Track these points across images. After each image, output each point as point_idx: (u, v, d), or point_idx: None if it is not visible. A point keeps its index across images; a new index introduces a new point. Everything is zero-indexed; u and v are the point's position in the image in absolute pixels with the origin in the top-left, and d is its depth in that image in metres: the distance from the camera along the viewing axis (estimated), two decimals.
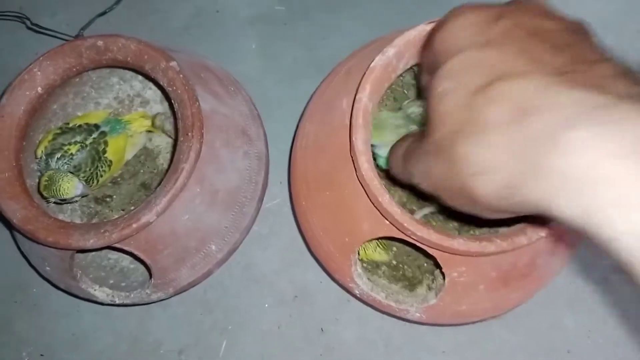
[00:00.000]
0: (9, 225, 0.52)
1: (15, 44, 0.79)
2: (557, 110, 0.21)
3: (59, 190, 0.53)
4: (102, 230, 0.49)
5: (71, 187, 0.54)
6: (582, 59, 0.23)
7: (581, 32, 0.25)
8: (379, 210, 0.39)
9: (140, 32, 0.76)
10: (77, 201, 0.63)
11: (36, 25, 0.62)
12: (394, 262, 0.55)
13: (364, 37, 0.74)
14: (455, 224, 0.56)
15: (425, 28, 0.42)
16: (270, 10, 0.77)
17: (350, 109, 0.43)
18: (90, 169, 0.57)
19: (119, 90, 0.65)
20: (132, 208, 0.63)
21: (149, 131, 0.64)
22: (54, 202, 0.58)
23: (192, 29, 0.77)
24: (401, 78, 0.60)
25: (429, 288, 0.53)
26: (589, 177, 0.19)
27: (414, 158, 0.27)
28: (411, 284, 0.54)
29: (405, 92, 0.61)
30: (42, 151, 0.56)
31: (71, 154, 0.56)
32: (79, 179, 0.55)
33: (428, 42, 0.28)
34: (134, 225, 0.48)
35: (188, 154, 0.49)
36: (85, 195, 0.56)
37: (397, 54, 0.42)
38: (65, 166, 0.55)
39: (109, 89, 0.65)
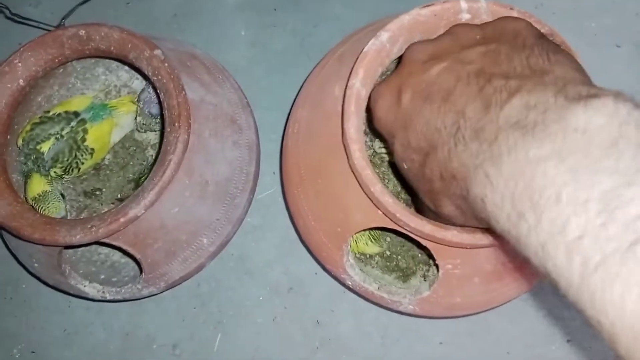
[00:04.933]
0: None
1: None
2: None
3: (44, 210, 0.53)
4: (89, 226, 0.47)
5: (55, 211, 0.54)
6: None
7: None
8: (371, 200, 0.38)
9: (126, 21, 0.74)
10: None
11: (16, 15, 0.59)
12: (388, 253, 0.53)
13: (355, 24, 0.72)
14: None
15: (419, 12, 0.41)
16: None
17: (343, 95, 0.42)
18: (68, 159, 0.57)
19: (105, 81, 0.63)
20: (121, 200, 0.62)
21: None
22: None
23: (179, 17, 0.75)
24: None
25: (424, 279, 0.52)
26: None
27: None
28: (405, 275, 0.53)
29: None
30: (21, 142, 0.55)
31: (42, 152, 0.55)
32: (63, 205, 0.56)
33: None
34: (122, 220, 0.47)
35: (175, 145, 0.48)
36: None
37: (391, 38, 0.41)
38: (41, 168, 0.56)
39: (95, 79, 0.63)
